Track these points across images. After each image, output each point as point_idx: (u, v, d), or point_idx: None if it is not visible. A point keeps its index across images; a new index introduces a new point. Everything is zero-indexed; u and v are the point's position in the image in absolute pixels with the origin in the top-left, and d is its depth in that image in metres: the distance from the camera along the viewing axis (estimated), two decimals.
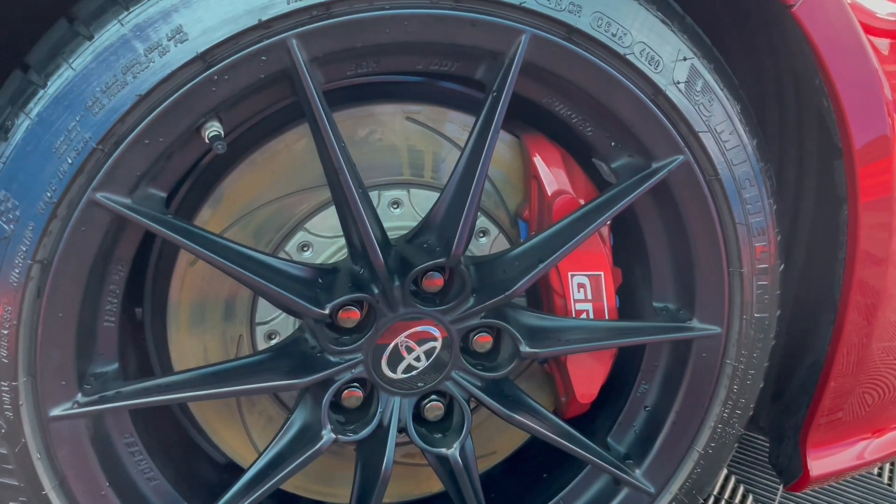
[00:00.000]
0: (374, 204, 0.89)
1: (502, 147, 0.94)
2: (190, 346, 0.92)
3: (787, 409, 1.06)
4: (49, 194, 0.70)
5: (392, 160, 0.91)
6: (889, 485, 1.45)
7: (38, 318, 0.73)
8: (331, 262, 0.90)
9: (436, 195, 0.87)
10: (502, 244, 0.96)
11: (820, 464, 1.06)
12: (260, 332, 0.93)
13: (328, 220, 0.90)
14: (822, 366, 0.99)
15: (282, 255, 0.90)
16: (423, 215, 0.86)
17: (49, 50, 0.71)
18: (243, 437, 0.97)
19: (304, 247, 0.90)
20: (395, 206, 0.92)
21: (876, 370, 1.02)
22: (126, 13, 0.70)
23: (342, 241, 0.88)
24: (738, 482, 1.42)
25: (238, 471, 0.92)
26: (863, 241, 0.92)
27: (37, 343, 0.74)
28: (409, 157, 0.91)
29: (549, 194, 0.90)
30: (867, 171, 0.88)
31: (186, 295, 0.90)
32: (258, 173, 0.89)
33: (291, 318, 0.92)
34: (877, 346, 1.00)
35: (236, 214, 0.88)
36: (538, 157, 0.91)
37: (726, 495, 1.39)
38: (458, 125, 0.93)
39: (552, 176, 0.91)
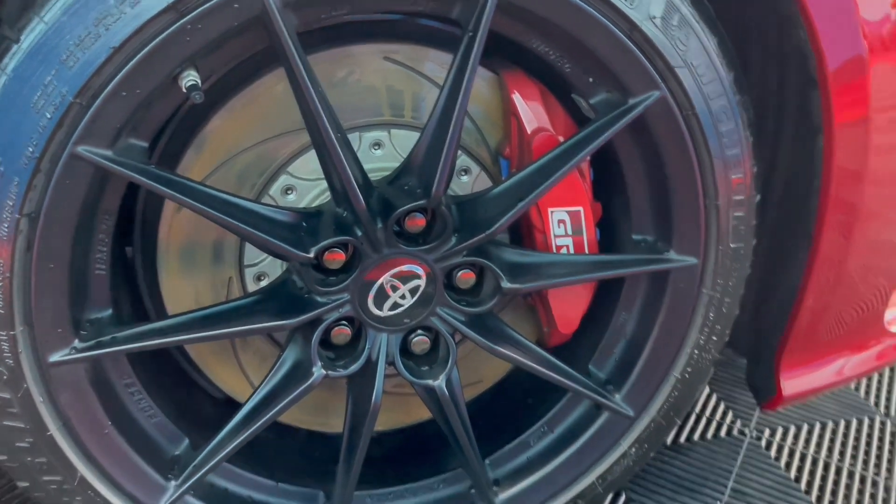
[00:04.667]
0: (356, 146, 0.90)
1: (482, 84, 0.94)
2: (181, 290, 0.94)
3: (765, 332, 1.10)
4: (31, 149, 0.71)
5: (371, 101, 0.92)
6: (865, 398, 1.51)
7: (30, 270, 0.75)
8: (314, 204, 0.91)
9: (417, 135, 0.88)
10: (484, 182, 0.97)
11: (793, 383, 1.10)
12: (249, 273, 0.95)
13: (310, 163, 0.91)
14: (799, 287, 1.03)
15: (266, 199, 0.91)
16: (405, 156, 0.88)
17: (20, 3, 0.71)
18: (239, 374, 1.01)
19: (287, 190, 0.92)
20: (376, 147, 0.93)
21: (854, 289, 1.05)
22: None
23: (325, 183, 0.89)
24: (719, 399, 1.48)
25: (237, 405, 0.96)
26: (838, 158, 0.93)
27: (31, 294, 0.76)
28: (388, 97, 0.92)
29: (529, 132, 0.91)
30: (841, 91, 0.89)
31: (175, 240, 0.92)
32: (239, 117, 0.89)
33: (279, 261, 0.94)
34: (854, 264, 1.02)
35: (219, 160, 0.89)
36: (517, 94, 0.92)
37: (707, 412, 1.45)
38: (438, 64, 0.93)
39: (531, 113, 0.91)
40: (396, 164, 0.89)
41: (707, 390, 1.51)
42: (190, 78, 0.74)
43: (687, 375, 1.02)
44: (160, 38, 0.71)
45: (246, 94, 0.88)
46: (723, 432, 1.39)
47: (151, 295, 0.96)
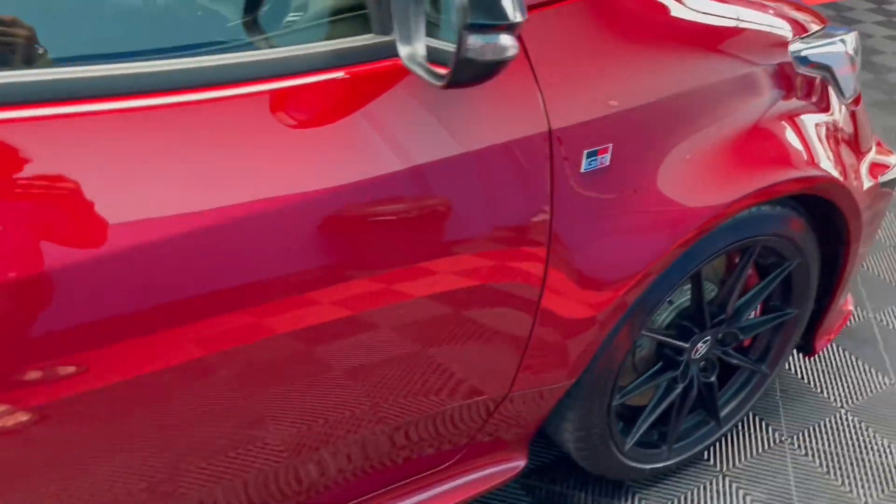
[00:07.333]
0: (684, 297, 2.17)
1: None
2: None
3: (809, 325, 2.54)
4: None
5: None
6: None
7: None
8: (670, 320, 2.18)
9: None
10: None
11: (818, 345, 2.57)
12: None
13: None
14: (824, 307, 2.46)
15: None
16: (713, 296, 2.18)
17: None
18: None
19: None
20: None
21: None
22: None
23: (668, 308, 2.16)
24: None
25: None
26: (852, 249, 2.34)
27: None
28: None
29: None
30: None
31: None
32: None
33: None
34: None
35: None
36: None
37: None
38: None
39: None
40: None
41: None
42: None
43: (790, 354, 2.45)
44: None
45: None
46: None
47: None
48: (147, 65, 1.21)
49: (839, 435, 2.61)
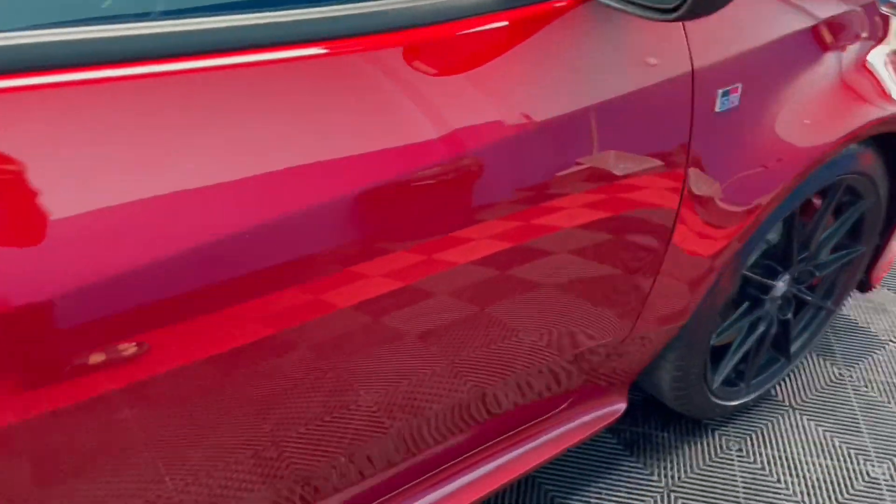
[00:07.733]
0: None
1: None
2: None
3: (869, 263, 2.63)
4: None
5: None
6: None
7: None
8: (754, 261, 2.24)
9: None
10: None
11: (875, 278, 2.67)
12: None
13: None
14: (881, 247, 2.56)
15: None
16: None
17: None
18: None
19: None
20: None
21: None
22: None
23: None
24: None
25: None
26: None
27: None
28: None
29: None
30: None
31: None
32: None
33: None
34: None
35: None
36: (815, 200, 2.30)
37: None
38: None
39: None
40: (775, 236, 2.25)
41: None
42: None
43: (852, 291, 2.54)
44: None
45: None
46: None
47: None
48: (322, 10, 1.18)
49: (892, 366, 2.72)
